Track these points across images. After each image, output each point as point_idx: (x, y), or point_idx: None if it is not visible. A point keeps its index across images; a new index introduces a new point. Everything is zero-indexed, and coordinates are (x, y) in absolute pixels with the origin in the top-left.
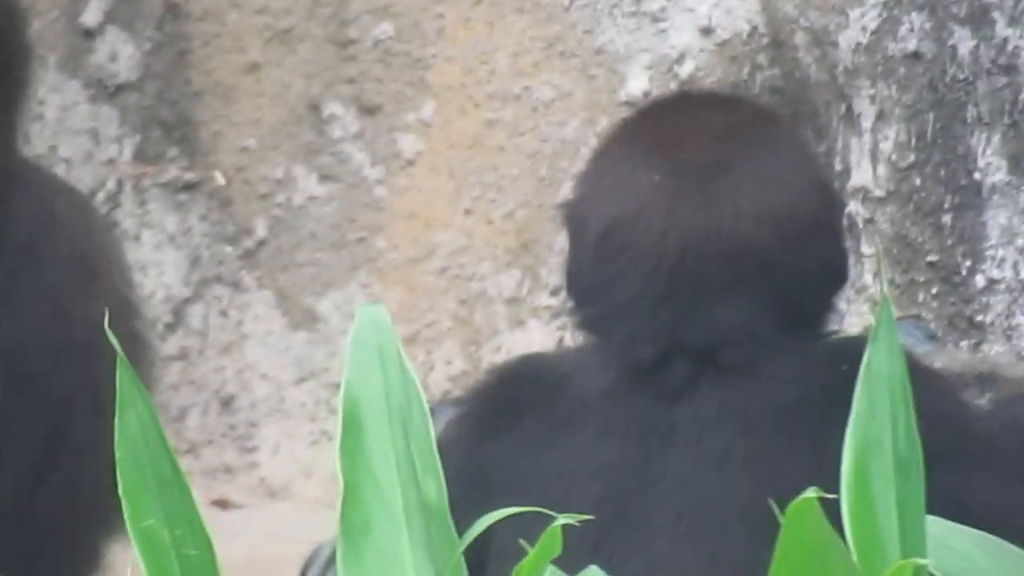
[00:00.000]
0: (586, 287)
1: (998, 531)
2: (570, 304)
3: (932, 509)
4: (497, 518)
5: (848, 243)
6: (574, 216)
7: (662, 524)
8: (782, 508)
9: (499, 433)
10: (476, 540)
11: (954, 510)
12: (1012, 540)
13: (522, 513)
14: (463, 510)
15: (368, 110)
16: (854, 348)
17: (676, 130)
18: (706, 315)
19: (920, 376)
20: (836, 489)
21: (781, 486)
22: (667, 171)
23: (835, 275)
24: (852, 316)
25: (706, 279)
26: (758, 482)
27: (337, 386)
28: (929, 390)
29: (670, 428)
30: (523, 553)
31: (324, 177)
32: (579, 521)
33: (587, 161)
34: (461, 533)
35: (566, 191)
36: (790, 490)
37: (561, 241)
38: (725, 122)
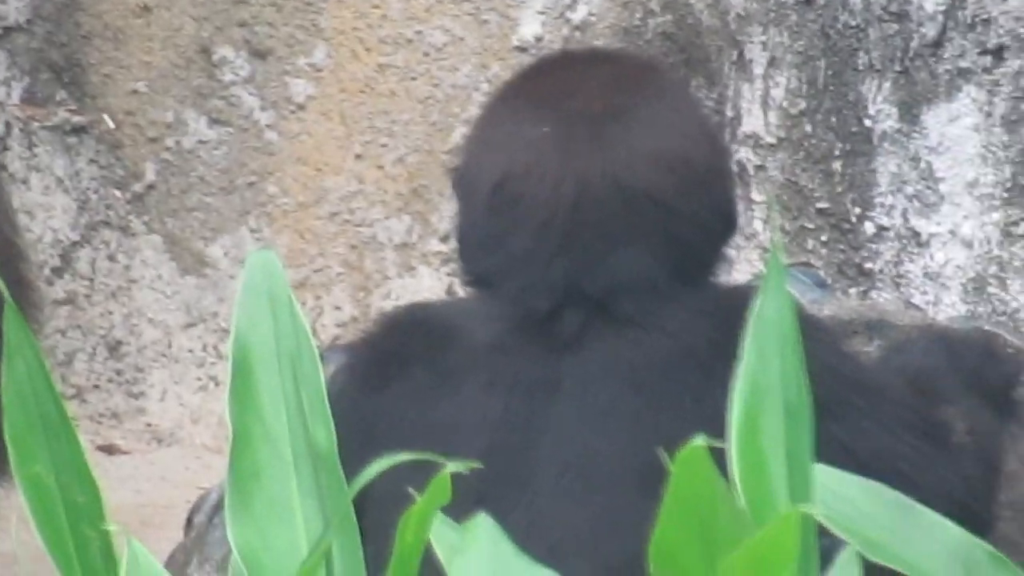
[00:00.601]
0: (479, 244)
1: (882, 477)
2: (462, 264)
3: (819, 457)
4: (387, 465)
5: (738, 191)
6: (463, 178)
7: (546, 478)
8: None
9: (385, 383)
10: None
11: (840, 458)
12: (895, 485)
13: (407, 462)
14: (347, 459)
15: (259, 54)
16: (743, 297)
17: (562, 83)
18: (601, 263)
19: (805, 327)
20: (723, 440)
21: (667, 439)
22: (556, 121)
23: (726, 222)
24: (742, 263)
25: (601, 227)
26: (643, 436)
27: (226, 332)
28: (814, 341)
29: (556, 381)
30: (404, 502)
31: (214, 121)
32: (465, 472)
33: (472, 125)
34: (347, 483)
35: (457, 137)
36: (675, 443)
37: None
38: (610, 73)
